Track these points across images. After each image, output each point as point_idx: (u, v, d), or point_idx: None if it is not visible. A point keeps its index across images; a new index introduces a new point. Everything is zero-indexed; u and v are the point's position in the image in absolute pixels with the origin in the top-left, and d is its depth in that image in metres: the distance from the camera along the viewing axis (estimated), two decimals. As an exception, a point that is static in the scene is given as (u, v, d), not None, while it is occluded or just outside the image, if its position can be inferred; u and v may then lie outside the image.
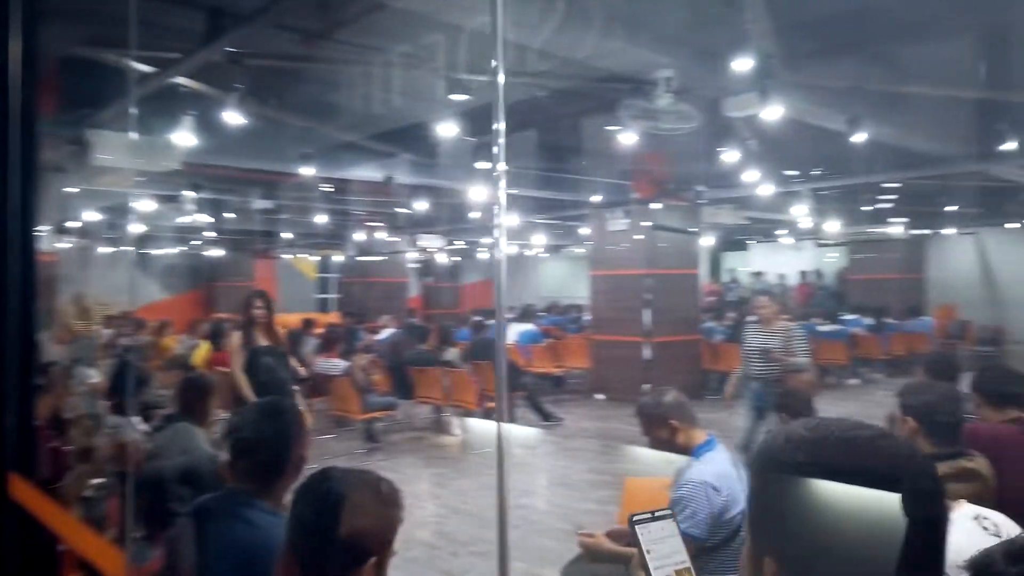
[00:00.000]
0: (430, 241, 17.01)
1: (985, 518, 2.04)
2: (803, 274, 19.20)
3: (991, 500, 2.46)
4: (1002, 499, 2.50)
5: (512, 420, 9.14)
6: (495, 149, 1.88)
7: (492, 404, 8.38)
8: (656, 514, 1.59)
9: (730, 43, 5.02)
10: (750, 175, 8.65)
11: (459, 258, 25.69)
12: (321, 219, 12.90)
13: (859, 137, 6.06)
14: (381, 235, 15.70)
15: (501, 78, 1.89)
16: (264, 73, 6.04)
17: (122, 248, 18.49)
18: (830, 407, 10.44)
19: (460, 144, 8.76)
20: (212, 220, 13.21)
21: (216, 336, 8.07)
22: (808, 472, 0.83)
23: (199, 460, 3.50)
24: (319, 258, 22.99)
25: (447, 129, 6.97)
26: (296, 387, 5.40)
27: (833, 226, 14.15)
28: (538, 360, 11.18)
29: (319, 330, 10.14)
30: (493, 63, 1.89)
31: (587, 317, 16.19)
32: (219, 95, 5.98)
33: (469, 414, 8.44)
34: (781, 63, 5.35)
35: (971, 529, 1.99)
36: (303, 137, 7.47)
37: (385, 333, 12.02)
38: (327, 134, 7.53)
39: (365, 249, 16.69)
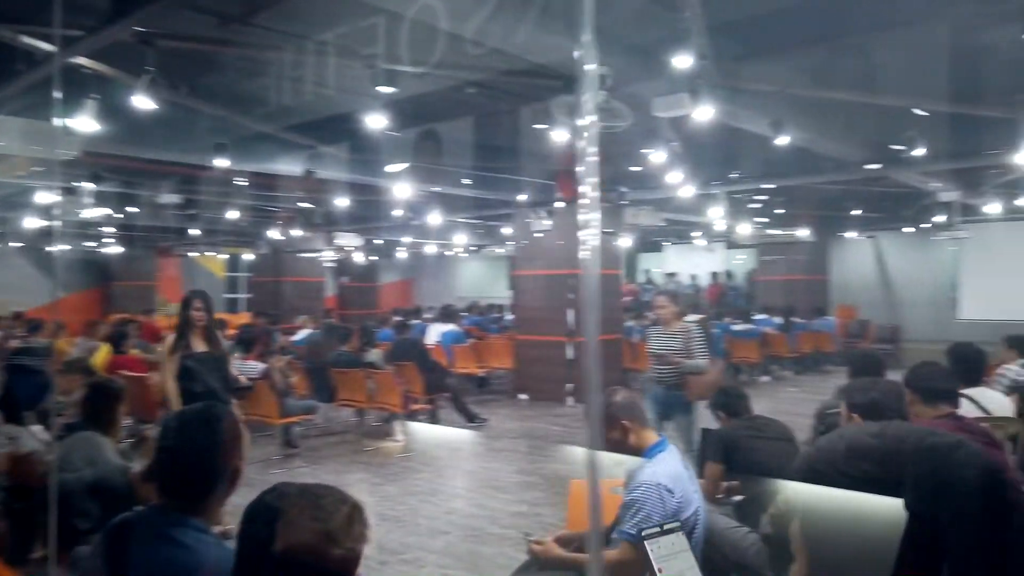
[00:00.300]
0: (348, 239, 16.58)
1: None
2: (714, 275, 19.79)
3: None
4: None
5: (436, 422, 8.99)
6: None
7: (418, 406, 8.19)
8: (665, 527, 1.49)
9: (662, 41, 5.03)
10: (673, 176, 8.78)
11: (376, 257, 25.22)
12: (233, 215, 12.32)
13: (782, 140, 6.22)
14: (296, 232, 15.15)
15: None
16: (177, 56, 5.66)
17: (12, 244, 17.22)
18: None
19: (385, 139, 8.54)
20: (113, 214, 12.43)
21: (118, 338, 7.55)
22: (877, 485, 0.73)
23: (108, 472, 3.20)
24: (227, 256, 22.09)
25: (372, 122, 6.72)
26: (235, 397, 5.07)
27: (745, 228, 14.61)
28: (461, 361, 11.03)
29: (231, 331, 9.66)
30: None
31: (509, 317, 16.19)
32: (126, 78, 5.56)
33: (393, 417, 8.21)
34: (712, 64, 5.40)
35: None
36: (217, 127, 7.07)
37: (302, 334, 11.61)
38: (243, 124, 7.16)
39: (279, 246, 16.10)
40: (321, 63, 6.65)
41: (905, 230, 15.60)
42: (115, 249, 17.70)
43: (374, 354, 8.83)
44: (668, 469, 2.62)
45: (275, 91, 7.13)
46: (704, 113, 5.22)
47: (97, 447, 3.35)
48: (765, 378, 13.21)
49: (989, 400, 4.42)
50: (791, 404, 10.65)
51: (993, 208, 11.80)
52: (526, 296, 11.59)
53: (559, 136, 7.20)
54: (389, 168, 8.28)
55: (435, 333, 11.87)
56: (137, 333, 9.43)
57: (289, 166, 7.99)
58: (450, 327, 11.71)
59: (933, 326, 16.66)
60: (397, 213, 12.14)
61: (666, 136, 7.42)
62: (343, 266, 23.58)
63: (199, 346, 4.69)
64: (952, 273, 16.48)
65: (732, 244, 19.91)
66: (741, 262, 20.65)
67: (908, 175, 9.82)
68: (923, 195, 12.45)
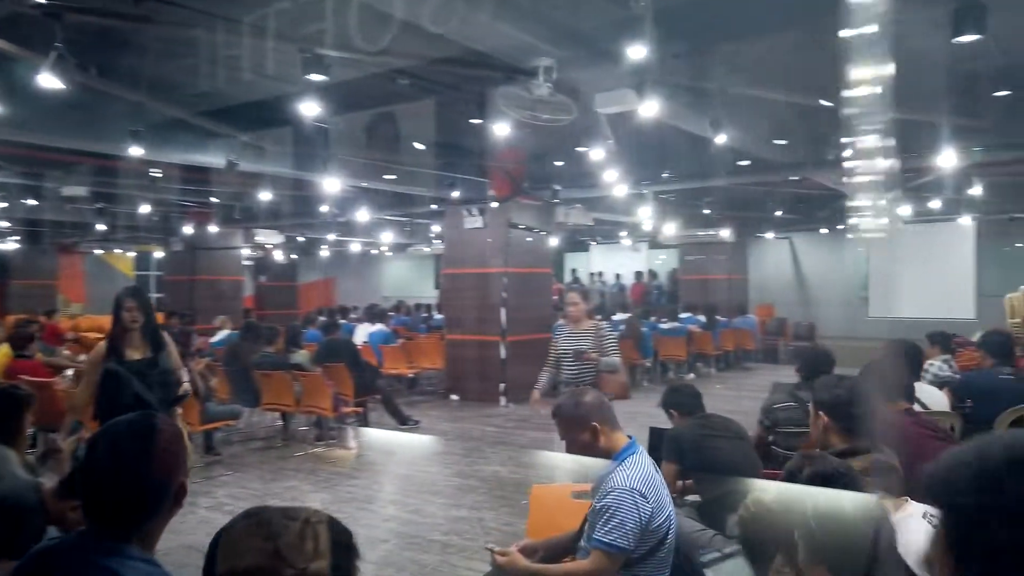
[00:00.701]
0: (268, 236, 15.97)
1: (933, 515, 2.01)
2: (638, 274, 20.07)
3: (901, 491, 2.47)
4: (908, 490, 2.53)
5: (366, 425, 8.69)
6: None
7: (348, 409, 7.88)
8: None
9: (605, 32, 4.93)
10: (608, 175, 8.76)
11: (295, 256, 24.47)
12: (145, 209, 11.62)
13: (720, 139, 6.25)
14: (213, 228, 14.48)
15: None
16: (87, 34, 5.21)
17: None
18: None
19: (312, 129, 8.19)
20: (11, 207, 11.53)
21: (20, 340, 6.94)
22: None
23: (17, 489, 2.85)
24: (136, 254, 20.97)
25: (302, 111, 6.40)
26: (178, 408, 4.46)
27: (670, 229, 14.85)
28: (390, 361, 10.74)
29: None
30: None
31: (438, 316, 15.94)
32: (29, 56, 5.08)
33: (321, 421, 7.88)
34: (657, 61, 5.34)
35: (924, 528, 1.95)
36: (131, 113, 6.58)
37: (220, 335, 11.06)
38: (160, 111, 6.70)
39: (194, 243, 15.34)
40: (246, 46, 6.29)
41: (822, 231, 16.17)
42: (12, 245, 16.49)
43: (300, 355, 8.46)
44: (641, 473, 2.50)
45: (195, 75, 6.71)
46: (649, 109, 5.17)
47: (2, 461, 2.98)
48: (691, 376, 13.43)
49: (928, 395, 4.54)
50: (722, 402, 10.84)
51: (904, 210, 12.34)
52: (457, 295, 11.39)
53: (499, 130, 7.07)
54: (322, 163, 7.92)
55: (362, 333, 11.54)
56: (39, 335, 8.73)
57: (209, 157, 7.53)
58: (378, 327, 11.41)
59: (845, 323, 17.39)
60: (323, 209, 11.72)
61: (602, 134, 7.36)
62: (261, 264, 22.77)
63: (134, 352, 4.11)
64: (862, 273, 17.24)
65: (655, 244, 20.30)
66: (661, 262, 21.06)
67: (829, 177, 10.12)
68: (839, 197, 12.92)
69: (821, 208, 14.31)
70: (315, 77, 6.01)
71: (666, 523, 2.47)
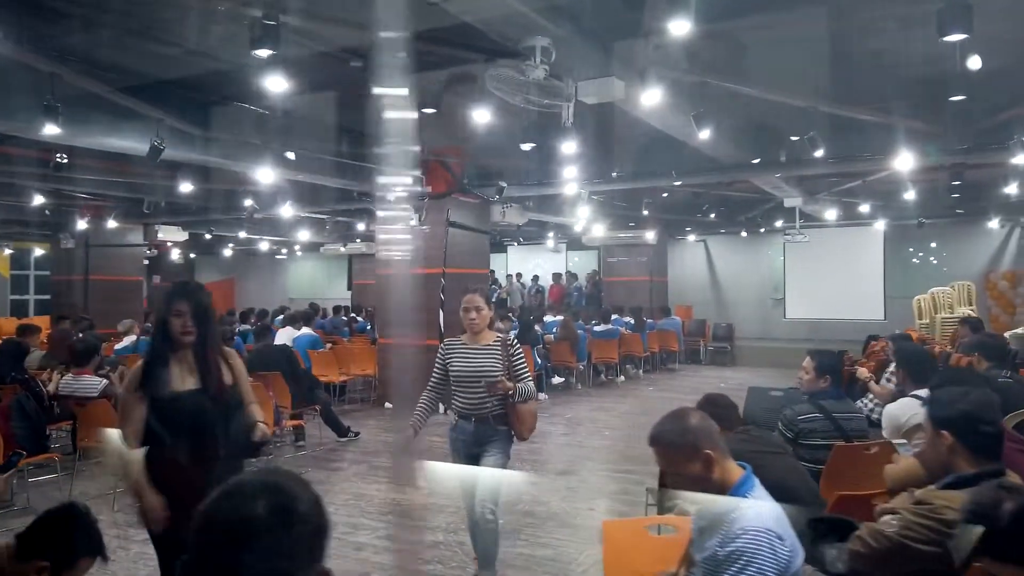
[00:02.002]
0: (170, 233, 14.71)
1: None
2: (556, 276, 19.94)
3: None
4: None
5: (301, 439, 7.98)
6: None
7: (292, 422, 7.17)
8: None
9: (595, 19, 4.58)
10: (564, 172, 8.43)
11: (193, 254, 22.93)
12: (35, 200, 10.34)
13: (704, 135, 6.03)
14: (112, 223, 13.17)
15: None
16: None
17: None
18: (616, 405, 10.73)
19: (243, 113, 7.43)
20: None
21: None
22: None
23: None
24: (13, 252, 18.96)
25: (238, 91, 5.70)
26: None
27: (599, 229, 14.73)
28: (319, 368, 9.99)
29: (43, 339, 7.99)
30: None
31: (359, 319, 15.18)
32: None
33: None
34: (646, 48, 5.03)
35: None
36: (39, 86, 5.65)
37: (126, 341, 9.97)
38: (73, 84, 5.80)
39: (88, 239, 13.92)
40: (182, 12, 5.55)
41: (743, 234, 16.50)
42: None
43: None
44: (771, 510, 2.13)
45: (118, 46, 5.87)
46: (651, 97, 4.85)
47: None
48: (620, 378, 13.34)
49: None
50: (659, 404, 10.74)
51: (830, 214, 12.69)
52: (391, 297, 10.74)
53: (441, 121, 6.59)
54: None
55: (286, 338, 10.70)
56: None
57: (127, 141, 6.63)
58: (304, 331, 10.60)
59: (760, 325, 17.89)
60: (248, 203, 10.79)
61: (561, 127, 6.98)
62: (155, 263, 21.13)
63: (184, 380, 2.86)
64: (776, 275, 17.77)
65: (573, 246, 20.24)
66: (575, 264, 21.03)
67: (765, 180, 10.18)
68: (765, 200, 13.16)
69: (746, 211, 14.55)
70: (262, 52, 5.34)
71: (800, 570, 2.12)
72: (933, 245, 15.98)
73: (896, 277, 16.00)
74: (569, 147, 6.22)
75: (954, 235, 15.50)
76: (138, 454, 2.68)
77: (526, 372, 3.98)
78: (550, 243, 18.14)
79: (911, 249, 16.22)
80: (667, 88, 5.00)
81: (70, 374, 5.59)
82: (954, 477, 2.33)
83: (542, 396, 11.00)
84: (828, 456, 3.77)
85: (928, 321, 13.58)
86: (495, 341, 4.00)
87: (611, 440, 8.28)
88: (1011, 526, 1.74)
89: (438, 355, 4.13)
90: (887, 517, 2.46)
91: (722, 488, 2.20)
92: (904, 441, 3.58)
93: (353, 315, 15.12)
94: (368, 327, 14.19)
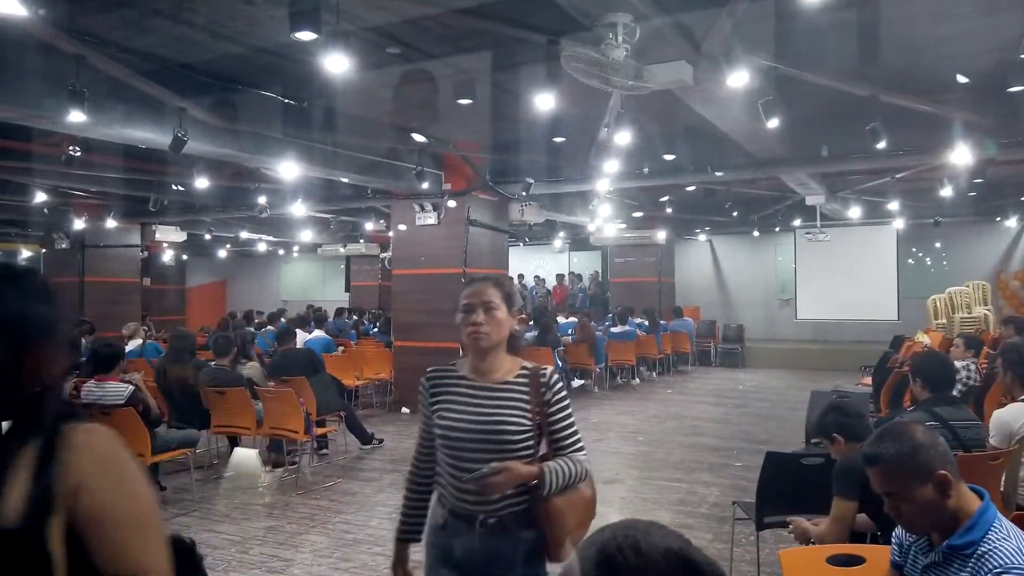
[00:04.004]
0: (168, 233, 14.24)
1: None
2: (559, 277, 19.63)
3: None
4: None
5: (324, 446, 7.59)
6: None
7: (324, 429, 6.79)
8: None
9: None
10: (607, 167, 8.08)
11: (186, 256, 22.35)
12: (40, 197, 9.84)
13: (773, 123, 5.72)
14: (109, 222, 12.67)
15: None
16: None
17: None
18: (639, 409, 10.41)
19: (267, 103, 7.04)
20: None
21: None
22: None
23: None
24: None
25: (269, 79, 5.32)
26: None
27: (611, 228, 14.44)
28: (333, 372, 9.57)
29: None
30: None
31: (365, 322, 14.77)
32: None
33: (279, 444, 6.75)
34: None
35: None
36: (58, 71, 5.23)
37: (132, 345, 9.52)
38: (96, 68, 5.39)
39: (83, 240, 13.41)
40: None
41: (754, 234, 16.26)
42: None
43: (250, 368, 7.28)
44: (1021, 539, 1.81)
45: (138, 28, 5.46)
46: (739, 79, 4.52)
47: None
48: (636, 381, 13.05)
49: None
50: (677, 407, 10.47)
51: (849, 212, 12.47)
52: (406, 298, 10.39)
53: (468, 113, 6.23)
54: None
55: (298, 341, 10.30)
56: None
57: (148, 133, 6.21)
58: (317, 334, 10.20)
59: (767, 325, 17.69)
60: (260, 200, 10.35)
61: (605, 119, 6.65)
62: (145, 265, 20.55)
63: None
64: (783, 275, 17.57)
65: (576, 246, 19.94)
66: (576, 264, 20.75)
67: (791, 177, 9.91)
68: (782, 198, 12.93)
69: (759, 210, 14.31)
70: (304, 35, 4.96)
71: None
72: (947, 244, 15.85)
73: (909, 277, 15.84)
74: (620, 138, 5.88)
75: (967, 234, 15.37)
76: None
77: (571, 433, 2.21)
78: (557, 243, 17.79)
79: (925, 249, 16.08)
80: (744, 72, 4.68)
81: (92, 381, 5.18)
82: None
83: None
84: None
85: (945, 321, 13.40)
86: (519, 376, 2.20)
87: (647, 447, 7.96)
88: None
89: (420, 400, 2.32)
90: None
91: (957, 516, 1.87)
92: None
93: (357, 317, 14.69)
94: (374, 329, 13.78)
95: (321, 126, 7.83)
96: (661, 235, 15.93)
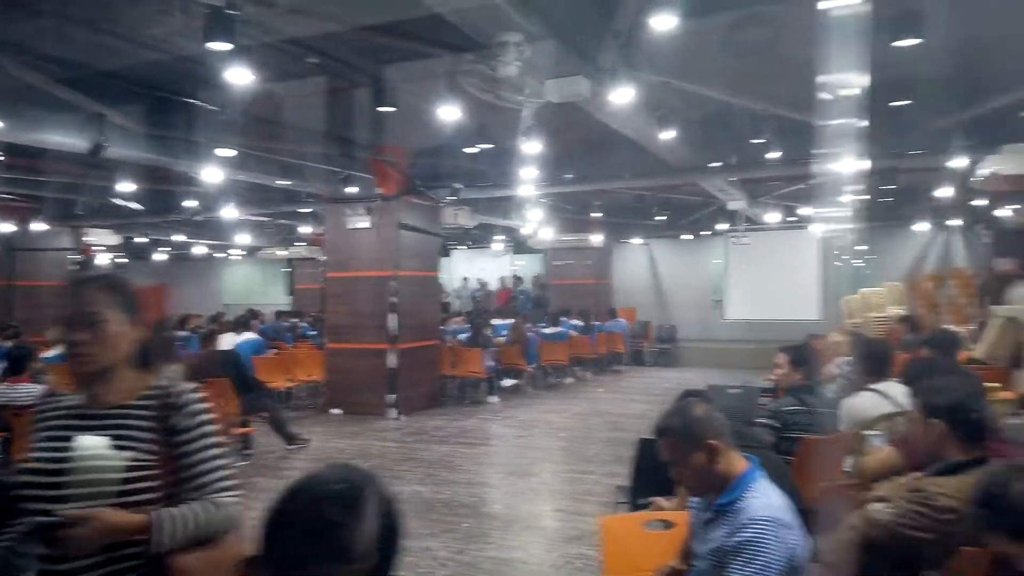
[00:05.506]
0: (100, 236, 14.11)
1: None
2: (503, 280, 19.96)
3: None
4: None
5: (248, 447, 7.71)
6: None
7: (242, 430, 6.93)
8: None
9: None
10: (513, 174, 8.39)
11: (122, 259, 21.97)
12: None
13: (668, 135, 6.09)
14: (36, 225, 12.52)
15: None
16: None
17: None
18: (568, 407, 10.75)
19: (189, 110, 7.16)
20: None
21: None
22: None
23: None
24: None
25: (186, 86, 5.49)
26: None
27: (547, 232, 14.79)
28: (264, 374, 9.68)
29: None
30: None
31: (303, 324, 14.82)
32: None
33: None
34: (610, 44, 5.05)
35: None
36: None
37: (56, 350, 9.46)
38: (9, 75, 5.48)
39: (11, 243, 13.21)
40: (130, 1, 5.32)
41: (685, 238, 16.79)
42: None
43: (171, 371, 7.36)
44: (779, 499, 2.13)
45: (58, 35, 5.57)
46: (622, 96, 4.86)
47: None
48: (569, 380, 13.40)
49: (897, 393, 4.58)
50: (608, 405, 10.84)
51: (770, 217, 13.04)
52: (338, 300, 10.54)
53: (398, 119, 6.50)
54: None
55: (228, 343, 10.36)
56: None
57: (66, 137, 6.29)
58: (247, 336, 10.28)
59: (700, 326, 18.25)
60: (191, 204, 10.39)
61: (519, 128, 6.97)
62: (82, 269, 20.20)
63: None
64: (716, 278, 18.16)
65: (518, 249, 20.26)
66: (520, 267, 21.07)
67: (714, 183, 10.39)
68: (708, 203, 13.45)
69: (688, 214, 14.83)
70: (218, 45, 5.15)
71: (806, 557, 2.12)
72: (866, 247, 16.60)
73: (832, 278, 16.56)
74: (531, 147, 6.19)
75: (884, 238, 16.14)
76: None
77: (211, 469, 1.76)
78: (497, 246, 18.10)
79: (845, 252, 16.80)
80: (631, 88, 5.02)
81: (5, 383, 5.25)
82: (945, 464, 2.39)
83: (493, 399, 10.96)
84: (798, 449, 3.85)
85: (860, 320, 14.08)
86: (142, 399, 1.77)
87: (567, 441, 8.29)
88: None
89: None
90: (878, 505, 2.50)
91: (726, 479, 2.19)
92: (880, 432, 3.67)
93: (295, 320, 14.74)
94: (311, 332, 13.87)
95: (247, 131, 7.97)
96: (598, 239, 16.34)
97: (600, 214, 14.47)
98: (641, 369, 15.95)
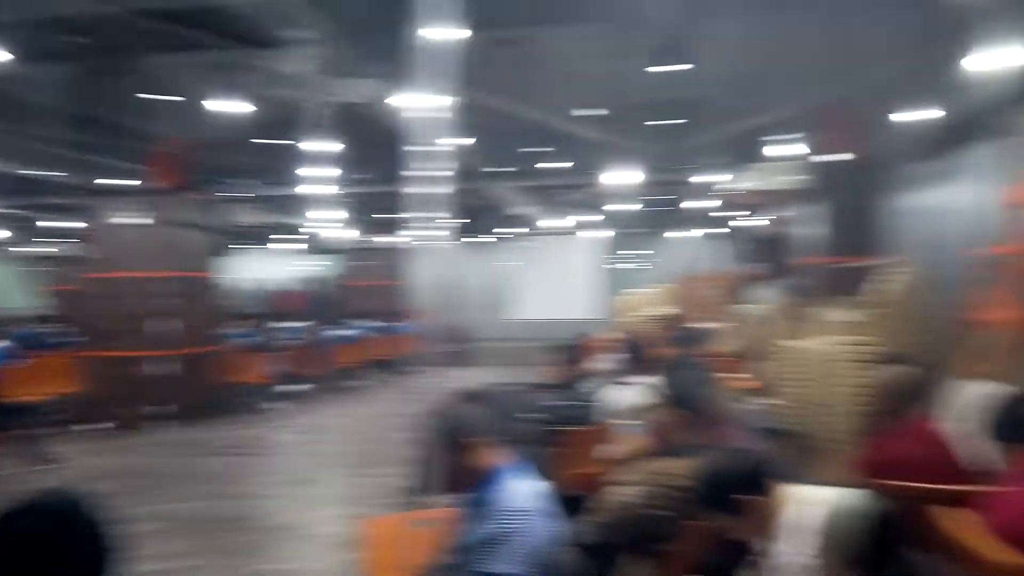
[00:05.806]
0: None
1: None
2: (300, 281, 19.29)
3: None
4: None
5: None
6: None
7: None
8: None
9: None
10: (311, 172, 8.12)
11: None
12: None
13: (457, 141, 6.17)
14: None
15: None
16: None
17: None
18: (361, 409, 10.56)
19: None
20: None
21: None
22: None
23: None
24: None
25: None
26: None
27: (349, 232, 14.49)
28: (15, 385, 8.52)
29: None
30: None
31: (51, 330, 13.21)
32: None
33: None
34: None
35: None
36: None
37: None
38: None
39: None
40: None
41: (477, 240, 17.23)
42: None
43: None
44: (529, 489, 2.23)
45: None
46: (407, 101, 4.85)
47: None
48: (366, 382, 13.24)
49: (653, 386, 5.01)
50: (404, 406, 10.79)
51: (557, 222, 13.75)
52: (98, 303, 9.54)
53: (174, 111, 6.09)
54: None
55: (-35, 353, 9.01)
56: None
57: None
58: (-6, 344, 9.01)
59: (496, 326, 18.81)
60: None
61: (316, 125, 6.79)
62: None
63: None
64: (506, 279, 18.80)
65: (317, 249, 19.64)
66: (319, 268, 20.49)
67: (503, 189, 10.77)
68: (500, 207, 13.92)
69: (482, 218, 15.25)
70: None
71: (559, 541, 2.25)
72: (649, 252, 18.05)
73: (614, 281, 17.81)
74: (323, 146, 6.04)
75: (662, 243, 17.67)
76: None
77: None
78: (294, 247, 17.45)
79: (626, 255, 18.15)
80: (423, 94, 5.06)
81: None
82: (676, 447, 2.66)
83: (280, 406, 10.50)
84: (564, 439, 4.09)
85: (628, 319, 15.27)
86: None
87: (358, 444, 8.17)
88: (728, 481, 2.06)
89: None
90: (621, 488, 2.73)
91: (481, 475, 2.26)
92: (638, 422, 3.99)
93: (56, 326, 13.13)
94: (62, 339, 12.36)
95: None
96: (396, 240, 16.27)
97: (396, 215, 14.41)
98: (437, 370, 16.09)
